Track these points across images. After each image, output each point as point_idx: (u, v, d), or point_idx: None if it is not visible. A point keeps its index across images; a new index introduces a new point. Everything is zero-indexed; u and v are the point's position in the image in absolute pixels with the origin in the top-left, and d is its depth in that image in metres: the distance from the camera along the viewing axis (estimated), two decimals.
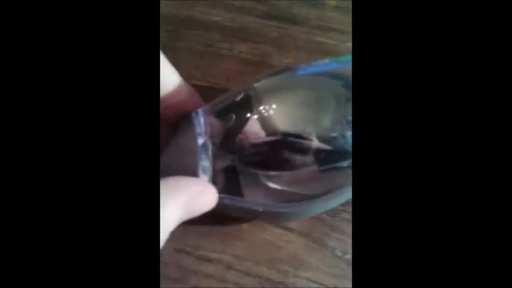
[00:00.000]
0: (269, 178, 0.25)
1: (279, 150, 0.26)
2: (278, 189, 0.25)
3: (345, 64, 0.31)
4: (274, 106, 0.27)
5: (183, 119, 0.25)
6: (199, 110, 0.25)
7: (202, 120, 0.24)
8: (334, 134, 0.28)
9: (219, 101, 0.27)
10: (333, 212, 0.29)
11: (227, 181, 0.25)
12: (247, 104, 0.26)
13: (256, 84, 0.27)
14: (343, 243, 0.28)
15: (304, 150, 0.26)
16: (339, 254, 0.28)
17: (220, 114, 0.26)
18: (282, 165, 0.26)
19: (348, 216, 0.29)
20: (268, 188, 0.25)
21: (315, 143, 0.27)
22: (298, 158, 0.26)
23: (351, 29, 0.45)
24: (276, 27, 0.44)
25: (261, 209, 0.24)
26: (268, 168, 0.26)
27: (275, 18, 0.45)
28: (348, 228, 0.29)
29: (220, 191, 0.24)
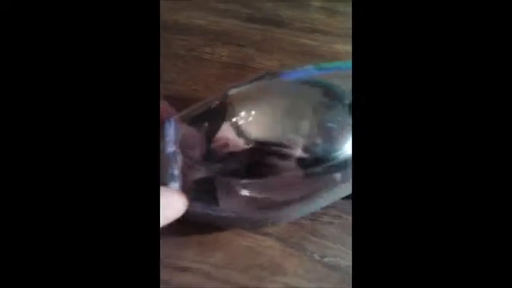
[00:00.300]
0: (245, 186, 0.25)
1: (255, 159, 0.26)
2: (254, 197, 0.25)
3: (327, 71, 0.31)
4: (250, 113, 0.27)
5: None
6: (172, 119, 0.25)
7: (173, 129, 0.25)
8: (312, 141, 0.28)
9: (194, 108, 0.27)
10: (313, 216, 0.29)
11: (202, 189, 0.25)
12: (222, 111, 0.26)
13: (230, 91, 0.27)
14: (321, 247, 0.28)
15: (281, 158, 0.26)
16: (317, 257, 0.28)
17: (195, 122, 0.26)
18: (258, 173, 0.26)
19: (327, 219, 0.29)
20: (244, 195, 0.25)
21: (292, 151, 0.27)
22: (274, 165, 0.26)
23: (334, 30, 0.46)
24: (260, 30, 0.44)
25: (234, 216, 0.25)
26: (244, 176, 0.26)
27: (259, 20, 0.45)
28: (327, 231, 0.29)
29: (193, 199, 0.24)
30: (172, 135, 0.24)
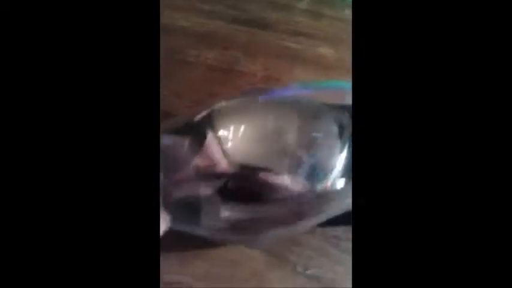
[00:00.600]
0: (230, 208, 0.25)
1: (241, 182, 0.26)
2: (238, 219, 0.25)
3: (314, 89, 0.31)
4: (235, 132, 0.27)
5: None
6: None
7: None
8: (298, 162, 0.27)
9: (177, 121, 0.26)
10: None
11: (185, 208, 0.24)
12: (205, 128, 0.26)
13: (216, 106, 0.27)
14: (304, 258, 0.28)
15: (265, 184, 0.26)
16: (300, 270, 0.28)
17: (178, 134, 0.26)
18: (243, 196, 0.25)
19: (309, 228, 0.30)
20: (228, 217, 0.25)
21: (278, 175, 0.26)
22: (259, 191, 0.26)
23: (318, 33, 0.46)
24: (245, 32, 0.44)
25: (215, 235, 0.25)
26: (229, 199, 0.25)
27: (244, 23, 0.45)
28: (310, 241, 0.29)
29: (175, 217, 0.23)
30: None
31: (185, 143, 0.25)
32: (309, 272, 0.28)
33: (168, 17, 0.43)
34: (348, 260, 0.28)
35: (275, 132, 0.28)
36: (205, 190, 0.25)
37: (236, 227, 0.25)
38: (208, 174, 0.25)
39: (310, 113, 0.28)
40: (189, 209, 0.25)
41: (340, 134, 0.28)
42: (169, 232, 0.24)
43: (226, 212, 0.25)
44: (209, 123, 0.26)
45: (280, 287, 0.27)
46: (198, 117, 0.26)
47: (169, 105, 0.34)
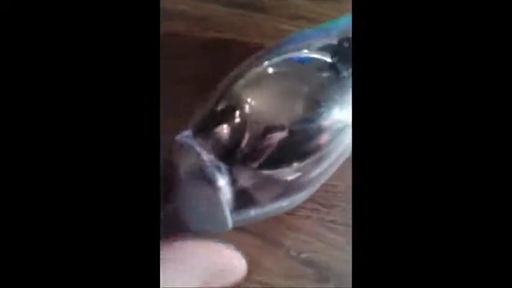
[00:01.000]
0: (282, 171, 0.24)
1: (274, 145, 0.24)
2: (291, 179, 0.24)
3: (326, 32, 0.31)
4: (257, 102, 0.25)
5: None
6: (187, 138, 0.24)
7: (198, 148, 0.23)
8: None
9: (201, 115, 0.25)
10: (291, 210, 0.29)
11: (239, 196, 0.23)
12: (232, 110, 0.24)
13: (235, 88, 0.26)
14: (298, 242, 0.28)
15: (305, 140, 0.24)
16: (294, 254, 0.27)
17: (208, 131, 0.24)
18: (292, 156, 0.24)
19: (305, 213, 0.29)
20: (286, 180, 0.24)
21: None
22: (296, 150, 0.24)
23: (319, 17, 0.45)
24: (241, 16, 0.43)
25: (285, 204, 0.24)
26: (281, 161, 0.24)
27: (241, 5, 0.44)
28: (305, 226, 0.29)
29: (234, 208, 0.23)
30: (202, 150, 0.23)
31: (221, 134, 0.24)
32: (303, 255, 0.27)
33: (167, 0, 0.42)
34: (343, 243, 0.28)
35: (289, 90, 0.26)
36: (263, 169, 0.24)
37: (292, 187, 0.24)
38: (256, 151, 0.24)
39: (319, 80, 0.27)
40: (245, 194, 0.24)
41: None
42: (167, 219, 0.23)
43: (286, 176, 0.24)
44: (237, 103, 0.25)
45: (273, 270, 0.27)
46: (222, 103, 0.25)
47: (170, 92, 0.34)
